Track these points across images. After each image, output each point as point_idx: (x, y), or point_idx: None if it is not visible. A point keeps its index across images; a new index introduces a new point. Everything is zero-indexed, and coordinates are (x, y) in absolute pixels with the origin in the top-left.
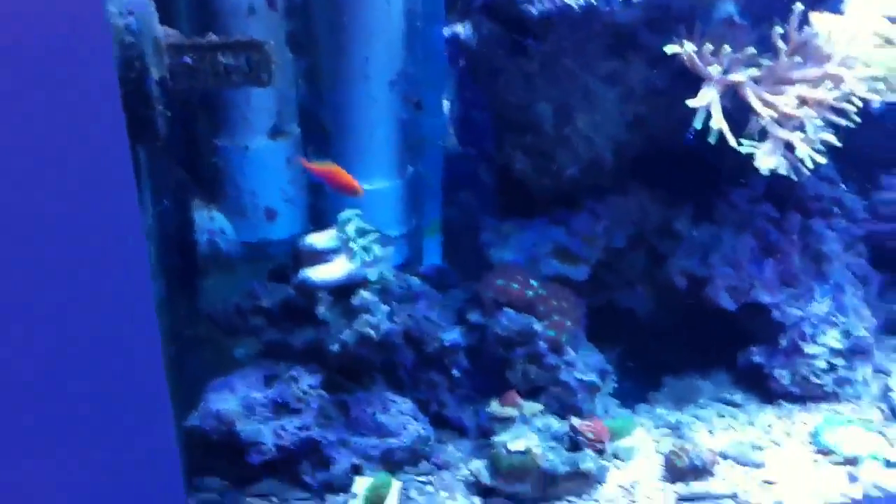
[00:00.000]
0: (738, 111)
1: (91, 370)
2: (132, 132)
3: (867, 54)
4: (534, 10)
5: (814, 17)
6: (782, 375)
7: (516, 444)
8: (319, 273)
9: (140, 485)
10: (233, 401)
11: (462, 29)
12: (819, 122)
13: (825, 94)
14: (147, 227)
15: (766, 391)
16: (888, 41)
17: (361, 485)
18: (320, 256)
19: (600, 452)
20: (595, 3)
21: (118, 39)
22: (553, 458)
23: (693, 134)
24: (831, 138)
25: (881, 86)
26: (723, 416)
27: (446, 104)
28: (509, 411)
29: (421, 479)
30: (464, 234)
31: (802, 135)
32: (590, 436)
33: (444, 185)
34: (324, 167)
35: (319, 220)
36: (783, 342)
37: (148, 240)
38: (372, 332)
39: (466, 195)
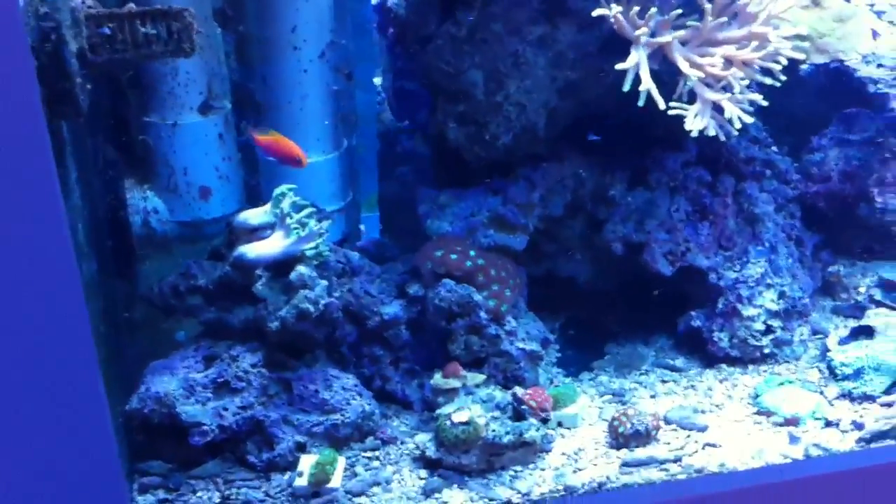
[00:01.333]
0: (668, 74)
1: (15, 357)
2: (51, 107)
3: (795, 16)
4: None
5: None
6: (721, 338)
7: (460, 416)
8: (255, 249)
9: (75, 472)
10: (173, 382)
11: None
12: (746, 83)
13: (751, 54)
14: (75, 207)
15: (706, 355)
16: (815, 2)
17: (306, 462)
18: (255, 233)
19: (544, 421)
20: None
21: (32, 10)
22: (497, 429)
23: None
24: (758, 98)
25: (807, 44)
26: (665, 381)
27: (378, 80)
28: (452, 383)
29: (367, 454)
30: (402, 207)
31: (730, 95)
32: (532, 404)
33: (381, 157)
34: (268, 136)
35: (255, 198)
36: (721, 305)
37: (77, 220)
38: (311, 308)
39: (404, 167)
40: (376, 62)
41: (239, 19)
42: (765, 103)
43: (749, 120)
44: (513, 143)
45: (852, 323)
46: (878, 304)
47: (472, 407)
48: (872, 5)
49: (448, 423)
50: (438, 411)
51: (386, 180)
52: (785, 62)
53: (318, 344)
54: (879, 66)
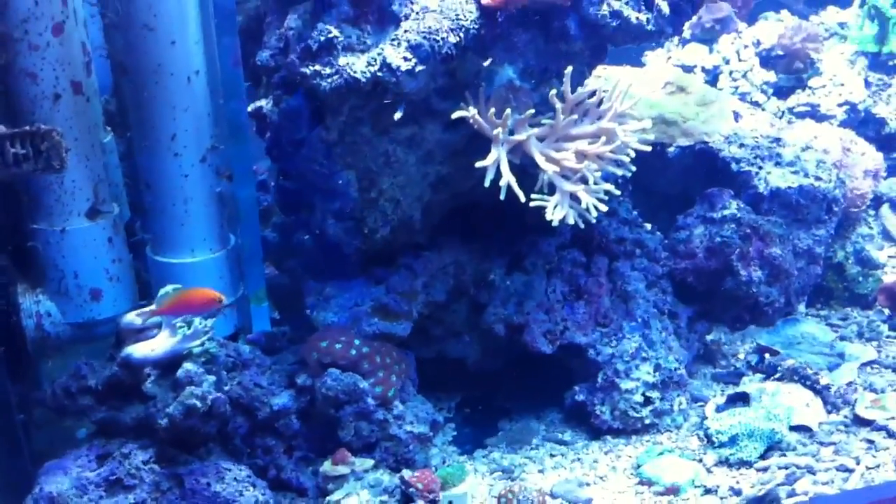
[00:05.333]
0: (532, 166)
1: None
2: None
3: (661, 101)
4: (325, 84)
5: (609, 70)
6: (603, 411)
7: (348, 502)
8: (141, 349)
9: None
10: (66, 482)
11: (264, 103)
12: (599, 174)
13: (601, 147)
14: None
15: (591, 427)
16: (681, 89)
17: None
18: (143, 332)
19: (432, 503)
20: (381, 75)
21: None
22: None
23: None
24: (611, 188)
25: (652, 136)
26: (553, 455)
27: (265, 174)
28: (341, 470)
29: None
30: (292, 299)
31: (584, 186)
32: (419, 486)
33: (273, 250)
34: (173, 300)
35: (147, 296)
36: (600, 379)
37: None
38: (198, 404)
39: (294, 260)
40: (254, 159)
41: (126, 126)
42: (617, 192)
43: (604, 209)
44: (391, 235)
45: (730, 390)
46: (755, 369)
47: (361, 492)
48: (736, 88)
49: None
50: (328, 498)
51: (279, 272)
52: (633, 154)
53: (210, 437)
54: (741, 145)
